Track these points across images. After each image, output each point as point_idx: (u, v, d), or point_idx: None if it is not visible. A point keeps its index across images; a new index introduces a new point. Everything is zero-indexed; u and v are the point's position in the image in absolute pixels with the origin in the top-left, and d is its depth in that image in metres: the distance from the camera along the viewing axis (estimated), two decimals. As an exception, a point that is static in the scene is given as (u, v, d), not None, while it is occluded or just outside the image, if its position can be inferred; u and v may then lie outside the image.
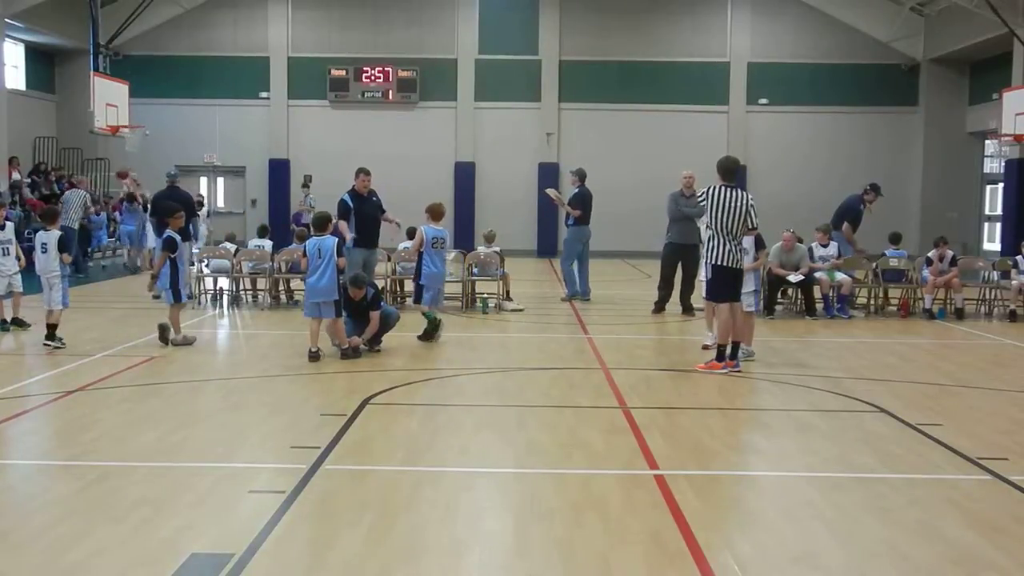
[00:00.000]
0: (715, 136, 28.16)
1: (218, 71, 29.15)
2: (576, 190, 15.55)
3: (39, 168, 24.82)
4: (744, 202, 9.31)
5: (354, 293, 10.11)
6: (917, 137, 29.03)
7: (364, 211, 12.23)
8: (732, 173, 9.47)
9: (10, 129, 23.75)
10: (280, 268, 14.78)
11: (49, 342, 10.30)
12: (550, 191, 16.38)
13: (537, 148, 28.97)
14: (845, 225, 15.44)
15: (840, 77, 28.89)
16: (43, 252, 10.77)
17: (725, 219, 9.23)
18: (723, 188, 9.31)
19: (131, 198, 21.37)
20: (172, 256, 10.72)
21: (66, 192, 21.15)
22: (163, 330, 10.60)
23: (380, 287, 11.67)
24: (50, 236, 10.83)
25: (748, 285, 10.09)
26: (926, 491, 5.75)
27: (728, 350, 9.43)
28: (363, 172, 12.56)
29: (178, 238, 10.86)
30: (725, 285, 9.38)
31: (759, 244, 10.55)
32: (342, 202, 12.32)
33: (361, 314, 10.24)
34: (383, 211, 12.72)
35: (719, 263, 9.30)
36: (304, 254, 10.47)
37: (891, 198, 23.51)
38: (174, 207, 11.57)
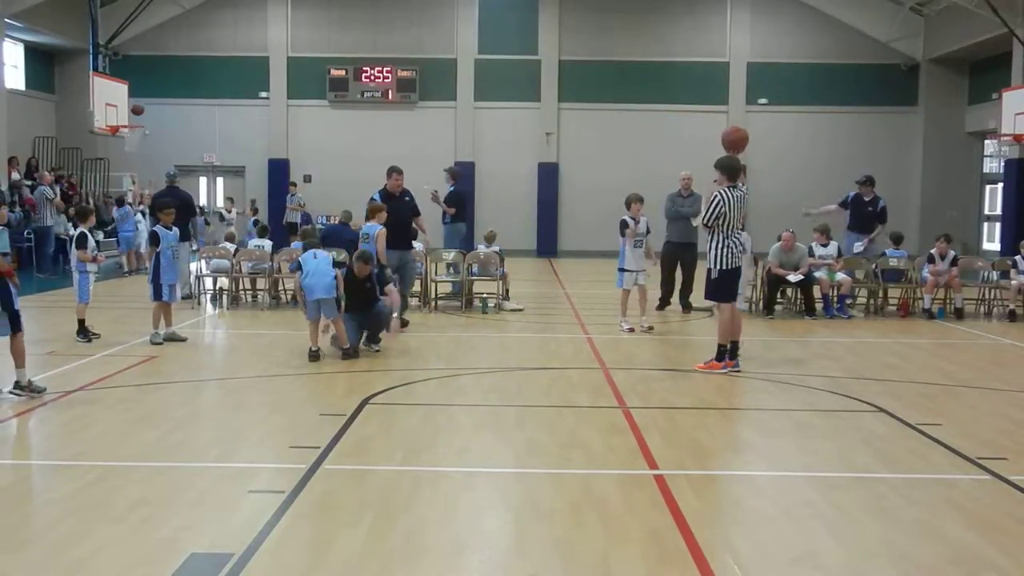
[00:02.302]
0: (715, 136, 27.94)
1: (218, 71, 29.16)
2: (451, 188, 15.51)
3: (30, 167, 24.72)
4: (744, 199, 9.50)
5: (359, 268, 10.08)
6: (917, 137, 29.04)
7: (395, 211, 12.25)
8: (737, 172, 9.53)
9: (10, 129, 23.75)
10: (279, 268, 14.79)
11: (78, 337, 10.67)
12: (428, 188, 16.01)
13: (537, 148, 28.97)
14: (880, 227, 15.20)
15: (840, 77, 28.90)
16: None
17: (734, 219, 9.34)
18: (731, 189, 9.37)
19: (120, 202, 21.43)
20: (156, 251, 10.81)
21: (34, 191, 21.24)
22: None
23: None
24: (76, 233, 11.15)
25: None
26: (926, 491, 5.75)
27: (728, 350, 9.46)
28: (395, 171, 12.66)
29: (163, 233, 10.89)
30: (730, 285, 9.46)
31: None
32: (371, 201, 12.42)
33: (361, 305, 10.17)
34: (417, 213, 12.82)
35: (727, 266, 9.35)
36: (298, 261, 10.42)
37: (891, 198, 23.43)
38: (166, 203, 11.64)
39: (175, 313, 13.69)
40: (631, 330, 12.06)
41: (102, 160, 27.46)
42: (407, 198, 12.61)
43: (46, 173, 22.60)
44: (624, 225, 12.04)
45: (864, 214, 15.19)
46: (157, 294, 10.85)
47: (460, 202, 15.51)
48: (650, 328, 12.18)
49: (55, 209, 21.04)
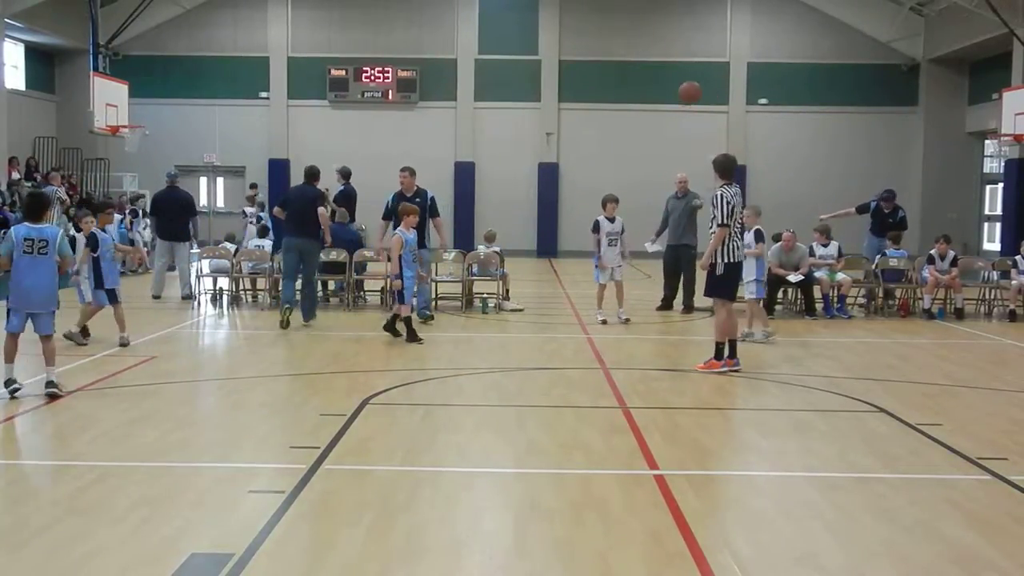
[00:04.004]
0: (715, 136, 28.17)
1: (218, 71, 29.16)
2: (341, 188, 15.48)
3: (29, 167, 24.72)
4: (741, 196, 9.60)
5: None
6: (917, 137, 29.04)
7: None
8: (732, 170, 9.58)
9: (10, 129, 23.76)
10: (279, 268, 14.76)
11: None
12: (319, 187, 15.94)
13: (537, 148, 28.98)
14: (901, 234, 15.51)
15: (840, 77, 28.90)
16: None
17: (737, 217, 9.43)
18: (728, 186, 9.41)
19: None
20: (95, 255, 10.46)
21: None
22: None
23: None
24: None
25: (751, 274, 11.20)
26: (926, 491, 5.75)
27: (727, 349, 9.45)
28: (401, 171, 13.10)
29: (100, 236, 10.56)
30: (732, 281, 9.53)
31: (759, 237, 11.51)
32: (386, 203, 12.96)
33: None
34: (433, 214, 12.98)
35: (732, 260, 9.42)
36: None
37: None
38: (107, 204, 11.59)
39: (176, 313, 13.73)
40: (603, 322, 12.71)
41: (102, 160, 27.46)
42: (418, 199, 12.64)
43: (56, 174, 22.63)
44: (596, 226, 12.85)
45: (885, 223, 15.80)
46: (112, 298, 10.54)
47: (349, 202, 15.31)
48: (627, 320, 12.81)
49: (61, 208, 21.10)
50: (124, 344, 10.48)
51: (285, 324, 11.92)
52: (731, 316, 9.50)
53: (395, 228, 12.40)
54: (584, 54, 29.09)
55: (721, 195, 9.36)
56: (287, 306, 12.14)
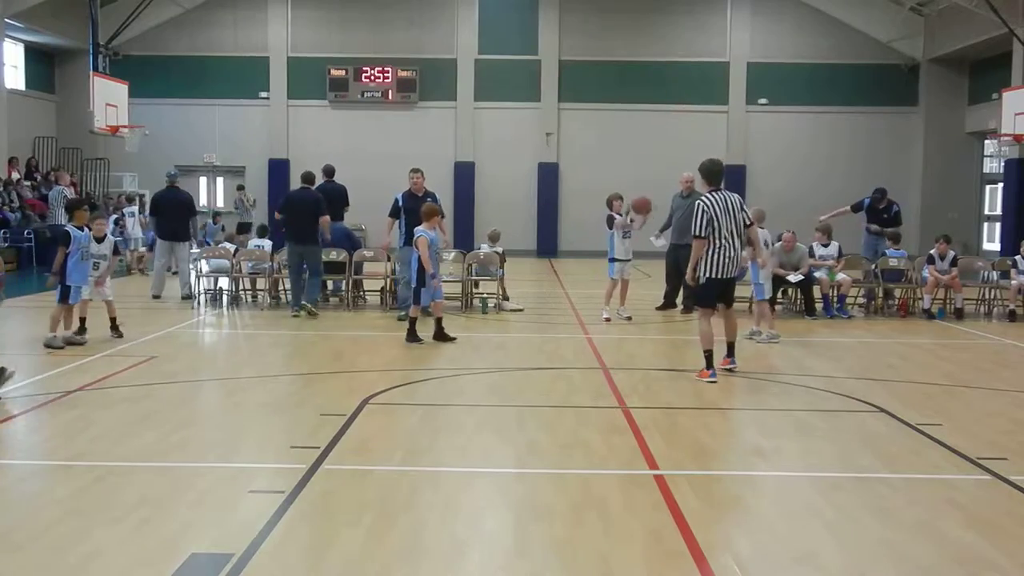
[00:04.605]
0: (715, 136, 28.21)
1: (218, 71, 29.16)
2: (320, 184, 15.47)
3: (30, 167, 24.73)
4: (735, 202, 9.14)
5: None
6: (917, 137, 29.05)
7: (413, 211, 12.33)
8: (718, 176, 9.26)
9: (10, 129, 23.78)
10: (279, 268, 14.77)
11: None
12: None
13: (537, 148, 28.99)
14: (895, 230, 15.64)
15: (840, 77, 28.91)
16: None
17: (727, 224, 9.00)
18: (714, 193, 9.10)
19: (129, 199, 21.51)
20: (66, 251, 10.34)
21: (51, 191, 21.30)
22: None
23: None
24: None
25: (753, 277, 11.44)
26: (926, 491, 5.75)
27: (726, 349, 9.41)
28: (412, 171, 13.40)
29: (75, 233, 10.44)
30: (708, 293, 9.20)
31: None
32: (394, 201, 13.22)
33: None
34: (440, 215, 12.89)
35: (713, 275, 9.02)
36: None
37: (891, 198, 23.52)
38: (79, 202, 11.60)
39: (176, 313, 13.74)
40: (607, 320, 12.96)
41: (102, 160, 27.47)
42: (428, 198, 12.68)
43: (64, 174, 22.70)
44: (611, 218, 13.03)
45: (880, 220, 15.85)
46: (63, 296, 10.31)
47: (333, 199, 14.97)
48: (629, 318, 13.11)
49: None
50: (53, 345, 10.16)
51: (313, 314, 12.95)
52: (731, 319, 9.41)
53: (403, 227, 12.64)
54: (584, 54, 29.10)
55: (698, 205, 9.00)
56: (300, 311, 13.03)
